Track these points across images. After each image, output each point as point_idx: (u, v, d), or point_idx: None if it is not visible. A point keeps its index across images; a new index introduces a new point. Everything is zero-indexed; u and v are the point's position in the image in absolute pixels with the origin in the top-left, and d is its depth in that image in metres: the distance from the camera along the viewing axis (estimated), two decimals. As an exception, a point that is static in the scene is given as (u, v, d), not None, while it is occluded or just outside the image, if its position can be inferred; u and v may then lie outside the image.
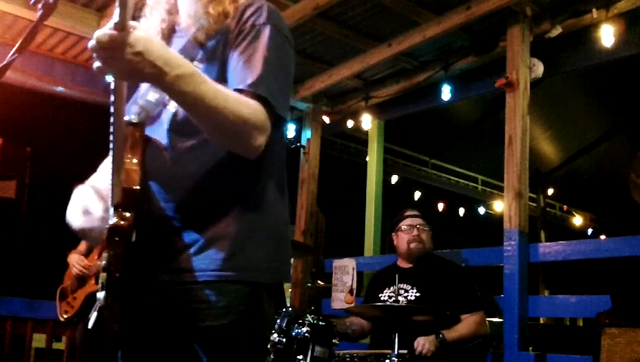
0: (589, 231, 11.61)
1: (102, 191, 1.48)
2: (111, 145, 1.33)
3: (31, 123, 5.39)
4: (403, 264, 3.79)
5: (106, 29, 1.16)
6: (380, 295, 3.69)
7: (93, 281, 4.13)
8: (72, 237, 4.49)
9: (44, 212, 4.96)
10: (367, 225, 5.66)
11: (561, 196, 10.83)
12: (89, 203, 1.46)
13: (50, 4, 1.29)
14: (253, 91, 1.35)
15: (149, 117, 1.47)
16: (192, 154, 1.41)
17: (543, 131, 8.13)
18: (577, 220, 11.56)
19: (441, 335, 3.24)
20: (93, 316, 1.37)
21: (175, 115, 1.43)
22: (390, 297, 3.61)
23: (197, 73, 1.26)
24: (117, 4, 1.14)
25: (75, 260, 4.20)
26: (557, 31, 4.13)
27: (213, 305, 1.36)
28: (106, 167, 1.57)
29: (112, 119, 1.30)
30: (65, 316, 4.23)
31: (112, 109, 1.29)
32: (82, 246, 4.38)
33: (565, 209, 11.40)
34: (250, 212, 1.42)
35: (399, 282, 3.51)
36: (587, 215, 11.63)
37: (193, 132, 1.39)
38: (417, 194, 9.36)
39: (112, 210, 1.33)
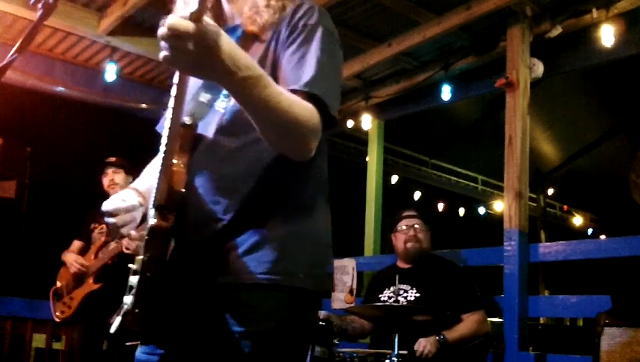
0: (589, 231, 11.61)
1: (142, 191, 1.48)
2: (163, 142, 1.28)
3: (31, 123, 5.39)
4: (402, 264, 3.80)
5: (179, 17, 1.08)
6: (379, 295, 3.69)
7: (92, 281, 4.12)
8: (69, 238, 4.47)
9: (44, 212, 4.96)
10: (367, 225, 5.65)
11: (561, 196, 10.83)
12: (127, 194, 1.46)
13: (50, 4, 1.29)
14: (308, 91, 1.33)
15: (201, 118, 1.45)
16: (240, 155, 1.40)
17: (543, 131, 8.12)
18: (577, 220, 11.56)
19: (441, 336, 3.24)
20: (117, 320, 1.34)
21: (224, 115, 1.42)
22: (390, 297, 3.62)
23: (264, 76, 1.22)
24: None
25: (73, 259, 4.19)
26: (557, 31, 4.13)
27: (255, 309, 1.35)
28: (149, 170, 1.58)
29: (168, 114, 1.26)
30: (61, 316, 4.21)
31: (170, 104, 1.24)
32: (74, 246, 4.37)
33: (565, 209, 11.40)
34: (296, 215, 1.41)
35: (399, 282, 3.51)
36: (587, 215, 11.62)
37: (241, 132, 1.38)
38: (417, 194, 9.36)
39: (152, 211, 1.30)
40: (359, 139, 6.89)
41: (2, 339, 4.94)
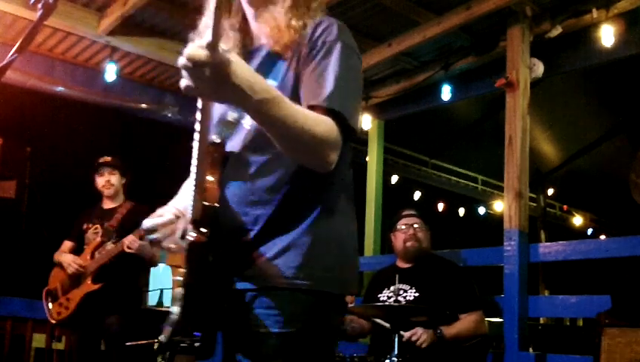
0: (589, 231, 11.61)
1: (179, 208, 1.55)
2: (194, 163, 1.37)
3: (31, 123, 5.38)
4: (402, 264, 3.80)
5: (196, 47, 1.16)
6: (379, 295, 3.69)
7: (90, 281, 4.11)
8: (64, 238, 4.42)
9: (44, 212, 4.96)
10: (367, 225, 5.65)
11: (561, 196, 10.83)
12: (164, 210, 1.54)
13: (50, 4, 1.29)
14: (326, 106, 1.40)
15: (229, 136, 1.52)
16: (268, 168, 1.47)
17: (543, 131, 8.12)
18: (577, 220, 11.56)
19: (439, 331, 3.26)
20: (168, 330, 1.41)
21: (250, 132, 1.49)
22: (390, 297, 3.62)
23: (279, 97, 1.30)
24: (209, 22, 1.15)
25: (71, 259, 4.17)
26: (557, 31, 4.13)
27: (280, 312, 1.41)
28: (184, 189, 1.65)
29: (196, 137, 1.32)
30: (58, 317, 4.19)
31: (197, 128, 1.31)
32: (65, 246, 4.36)
33: (565, 209, 11.40)
34: (322, 222, 1.47)
35: (398, 282, 3.51)
36: (587, 215, 11.62)
37: (267, 147, 1.44)
38: (417, 194, 9.36)
39: (190, 226, 1.38)
40: (359, 139, 6.87)
41: (2, 339, 4.93)
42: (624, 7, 3.93)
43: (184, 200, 1.57)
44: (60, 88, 5.34)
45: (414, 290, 3.56)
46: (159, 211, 1.56)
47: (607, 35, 3.98)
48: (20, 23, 4.71)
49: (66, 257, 4.22)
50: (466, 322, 3.41)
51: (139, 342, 3.78)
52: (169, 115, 5.79)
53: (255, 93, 1.24)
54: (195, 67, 1.16)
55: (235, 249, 1.46)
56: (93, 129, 5.72)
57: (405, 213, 3.84)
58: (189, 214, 1.40)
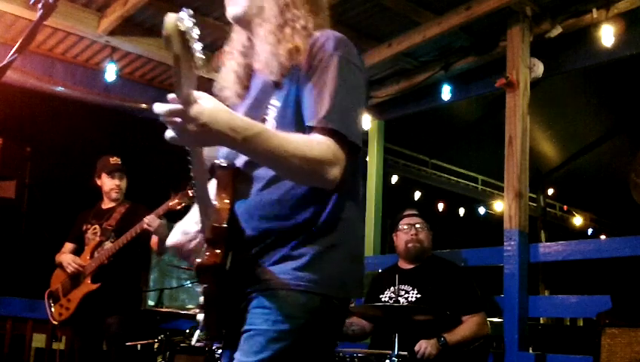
0: (589, 231, 11.60)
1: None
2: (196, 198, 1.48)
3: (31, 123, 5.38)
4: (404, 265, 3.79)
5: (167, 104, 1.24)
6: (380, 296, 3.69)
7: (89, 281, 4.10)
8: (64, 238, 4.41)
9: (44, 212, 4.96)
10: (367, 225, 5.65)
11: (561, 196, 10.83)
12: (187, 225, 1.61)
13: (50, 4, 1.29)
14: (324, 126, 1.42)
15: (236, 156, 1.56)
16: (275, 184, 1.49)
17: (543, 131, 8.12)
18: (577, 220, 11.56)
19: (442, 339, 3.24)
20: (197, 334, 1.54)
21: None
22: (391, 298, 3.61)
23: (263, 131, 1.35)
24: (176, 78, 1.19)
25: (70, 259, 4.17)
26: (557, 31, 4.13)
27: (276, 311, 1.43)
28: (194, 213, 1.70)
29: (192, 175, 1.40)
30: (60, 318, 4.19)
31: (191, 170, 1.39)
32: (66, 248, 4.35)
33: (565, 209, 11.39)
34: (328, 233, 1.49)
35: (400, 283, 3.51)
36: (587, 215, 11.62)
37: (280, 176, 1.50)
38: (417, 194, 9.36)
39: (205, 246, 1.46)
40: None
41: (2, 339, 4.94)
42: (624, 7, 3.93)
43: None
44: (59, 88, 5.34)
45: (416, 291, 3.56)
46: (183, 225, 1.62)
47: (607, 35, 3.98)
48: (20, 23, 4.71)
49: (66, 258, 4.22)
50: (468, 325, 3.41)
51: (139, 342, 3.79)
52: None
53: (237, 134, 1.29)
54: (172, 121, 1.24)
55: (245, 262, 1.49)
56: (93, 129, 5.72)
57: (407, 213, 3.83)
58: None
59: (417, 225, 3.75)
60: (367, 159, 5.91)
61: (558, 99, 7.10)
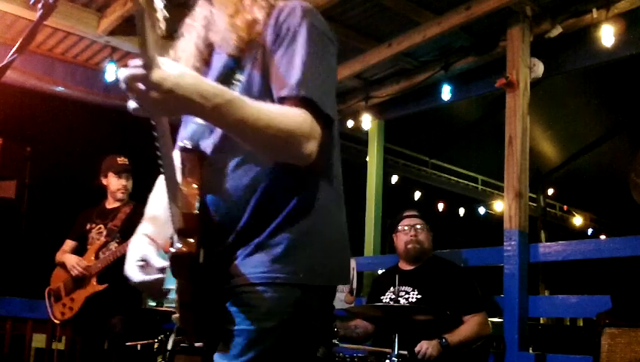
0: (589, 231, 11.60)
1: (155, 235, 1.50)
2: (163, 177, 1.35)
3: (31, 123, 5.38)
4: (404, 266, 3.79)
5: (131, 68, 1.15)
6: (381, 297, 3.68)
7: (95, 281, 4.09)
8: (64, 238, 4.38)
9: (44, 212, 4.95)
10: (367, 225, 5.65)
11: (561, 196, 10.82)
12: (146, 253, 1.45)
13: (50, 4, 1.29)
14: (296, 95, 1.33)
15: (202, 138, 1.48)
16: (244, 168, 1.41)
17: (543, 131, 8.12)
18: (577, 220, 11.55)
19: (443, 340, 3.24)
20: (172, 337, 1.46)
21: (220, 132, 1.44)
22: (391, 299, 3.61)
23: (235, 99, 1.24)
24: (138, 42, 1.12)
25: (75, 261, 4.15)
26: (557, 31, 4.13)
27: (256, 308, 1.36)
28: (153, 200, 1.60)
29: (159, 154, 1.30)
30: (62, 317, 4.18)
31: (157, 145, 1.28)
32: (67, 246, 4.34)
33: (565, 209, 11.39)
34: (304, 218, 1.41)
35: (400, 284, 3.50)
36: (587, 215, 11.61)
37: (239, 147, 1.39)
38: (417, 194, 9.36)
39: (176, 236, 1.35)
40: (359, 139, 6.88)
41: (2, 339, 4.93)
42: (624, 7, 3.93)
43: (155, 218, 1.54)
44: (60, 88, 5.34)
45: (416, 292, 3.55)
46: (141, 252, 1.46)
47: (607, 35, 3.98)
48: (20, 23, 4.71)
49: (70, 259, 4.18)
50: (469, 325, 3.40)
51: (139, 342, 3.78)
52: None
53: (207, 101, 1.19)
54: (130, 90, 1.14)
55: (219, 252, 1.41)
56: (93, 129, 5.72)
57: (407, 213, 3.82)
58: (171, 225, 1.38)
59: (417, 226, 3.74)
60: (367, 159, 5.91)
61: (558, 99, 7.10)
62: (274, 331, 1.36)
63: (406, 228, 3.74)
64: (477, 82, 4.93)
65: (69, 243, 4.34)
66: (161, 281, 1.44)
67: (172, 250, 1.33)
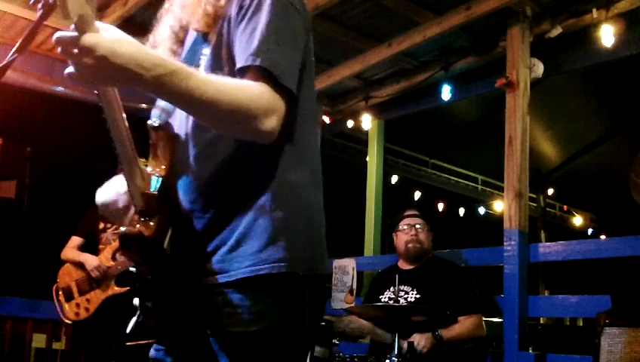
0: (589, 231, 11.59)
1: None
2: (117, 153, 1.29)
3: (31, 123, 5.38)
4: (403, 265, 3.79)
5: (65, 31, 1.09)
6: (380, 296, 3.69)
7: (115, 284, 4.04)
8: (69, 238, 4.36)
9: (44, 212, 4.95)
10: (367, 225, 5.65)
11: (561, 196, 10.82)
12: (119, 183, 1.44)
13: (50, 4, 1.28)
14: (251, 64, 1.26)
15: (170, 116, 1.44)
16: (214, 148, 1.35)
17: (543, 131, 8.12)
18: (577, 220, 11.55)
19: (437, 333, 3.25)
20: (132, 321, 1.37)
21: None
22: (390, 299, 3.61)
23: (179, 70, 1.17)
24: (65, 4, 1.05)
25: (96, 263, 4.08)
26: (557, 31, 4.13)
27: (244, 309, 1.29)
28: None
29: (109, 128, 1.26)
30: (76, 318, 4.13)
31: (105, 116, 1.24)
32: (74, 242, 4.28)
33: (565, 209, 11.39)
34: (280, 201, 1.33)
35: (400, 284, 3.51)
36: (587, 215, 11.61)
37: (208, 128, 1.34)
38: (417, 194, 9.35)
39: (136, 217, 1.31)
40: (359, 139, 6.88)
41: (2, 339, 4.93)
42: (624, 7, 3.93)
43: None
44: (59, 88, 5.34)
45: (415, 292, 3.56)
46: (115, 183, 1.46)
47: (607, 35, 3.98)
48: (20, 23, 4.71)
49: (90, 260, 4.12)
50: (464, 325, 3.41)
51: (139, 342, 3.78)
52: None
53: (147, 71, 1.12)
54: (64, 53, 1.09)
55: (187, 239, 1.35)
56: (93, 129, 5.69)
57: (407, 213, 3.83)
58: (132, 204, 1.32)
59: (417, 226, 3.74)
60: (367, 159, 5.91)
61: (558, 99, 7.10)
62: (266, 331, 1.30)
63: (406, 227, 3.75)
64: (477, 82, 4.93)
65: (75, 240, 4.27)
66: (121, 206, 1.41)
67: (122, 229, 1.28)
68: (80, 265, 4.18)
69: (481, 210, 10.45)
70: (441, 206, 9.91)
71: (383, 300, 3.64)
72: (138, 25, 4.81)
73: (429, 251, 3.77)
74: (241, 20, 1.33)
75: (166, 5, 1.57)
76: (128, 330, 1.39)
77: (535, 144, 7.53)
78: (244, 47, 1.30)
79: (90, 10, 1.06)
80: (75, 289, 4.19)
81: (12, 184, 4.70)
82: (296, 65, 1.34)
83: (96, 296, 4.09)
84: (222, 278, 1.31)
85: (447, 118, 7.56)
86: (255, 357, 1.31)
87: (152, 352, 1.49)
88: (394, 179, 8.35)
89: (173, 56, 1.48)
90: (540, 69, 4.22)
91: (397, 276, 3.46)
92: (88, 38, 1.08)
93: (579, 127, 8.45)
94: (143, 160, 1.38)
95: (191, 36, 1.50)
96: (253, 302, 1.29)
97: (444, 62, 4.92)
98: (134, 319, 1.36)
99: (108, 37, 1.10)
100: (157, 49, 1.48)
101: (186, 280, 1.35)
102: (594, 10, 3.98)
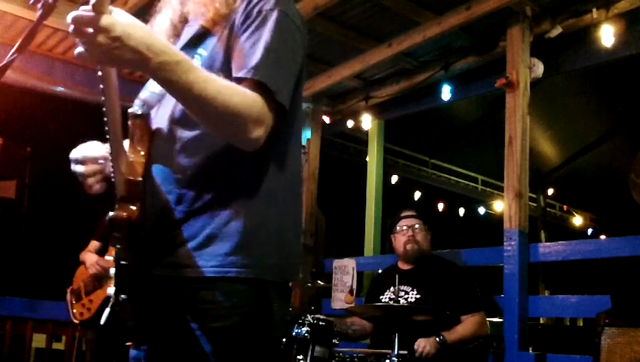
0: (589, 231, 11.60)
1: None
2: (107, 137, 1.30)
3: (31, 123, 5.38)
4: (403, 265, 3.79)
5: (81, 9, 1.12)
6: (380, 296, 3.69)
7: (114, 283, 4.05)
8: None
9: (44, 212, 4.96)
10: (367, 225, 5.65)
11: (561, 196, 10.83)
12: (95, 145, 1.48)
13: (50, 4, 1.28)
14: (251, 77, 1.30)
15: (154, 107, 1.46)
16: (197, 144, 1.37)
17: (543, 131, 8.12)
18: (577, 220, 11.55)
19: (441, 337, 3.24)
20: (106, 312, 1.37)
21: (176, 105, 1.40)
22: (391, 299, 3.61)
23: (184, 61, 1.21)
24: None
25: (94, 260, 4.11)
26: (557, 31, 4.13)
27: (215, 305, 1.31)
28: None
29: (104, 109, 1.26)
30: (81, 318, 4.15)
31: (103, 99, 1.25)
32: (92, 246, 4.31)
33: (565, 209, 11.39)
34: (256, 206, 1.36)
35: (399, 284, 3.51)
36: (587, 215, 11.61)
37: (195, 122, 1.36)
38: (417, 194, 9.36)
39: (119, 202, 1.32)
40: (359, 139, 6.89)
41: (2, 339, 4.93)
42: (624, 7, 3.93)
43: None
44: (60, 88, 5.34)
45: (415, 292, 3.56)
46: (90, 144, 1.50)
47: (607, 35, 3.98)
48: (20, 23, 4.71)
49: (90, 258, 4.15)
50: (467, 325, 3.41)
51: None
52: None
53: (155, 55, 1.17)
54: (77, 32, 1.13)
55: (159, 230, 1.36)
56: (93, 129, 5.71)
57: (405, 214, 3.83)
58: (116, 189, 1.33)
59: (415, 226, 3.75)
60: (367, 159, 5.91)
61: (558, 99, 7.10)
62: (234, 328, 1.32)
63: (404, 228, 3.75)
64: (477, 82, 4.93)
65: (93, 244, 4.29)
66: (96, 166, 1.45)
67: (110, 213, 1.28)
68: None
69: (481, 210, 10.45)
70: (441, 206, 9.91)
71: (383, 300, 3.64)
72: (138, 25, 4.82)
73: (427, 251, 3.77)
74: (245, 30, 1.36)
75: None
76: (102, 321, 1.39)
77: (535, 144, 7.54)
78: (245, 58, 1.33)
79: None
80: (82, 290, 4.21)
81: (12, 184, 4.70)
82: (291, 85, 1.38)
83: (97, 296, 4.10)
84: (190, 273, 1.33)
85: (447, 118, 7.57)
86: (229, 350, 1.33)
87: (132, 352, 1.50)
88: (394, 179, 8.36)
89: None
90: (539, 69, 4.22)
91: (397, 276, 3.46)
92: (106, 19, 1.12)
93: (579, 127, 8.46)
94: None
95: (190, 30, 1.51)
96: (223, 299, 1.32)
97: (444, 62, 4.92)
98: (107, 309, 1.36)
99: (123, 19, 1.16)
100: None
101: (149, 267, 1.37)
102: (594, 10, 3.98)
